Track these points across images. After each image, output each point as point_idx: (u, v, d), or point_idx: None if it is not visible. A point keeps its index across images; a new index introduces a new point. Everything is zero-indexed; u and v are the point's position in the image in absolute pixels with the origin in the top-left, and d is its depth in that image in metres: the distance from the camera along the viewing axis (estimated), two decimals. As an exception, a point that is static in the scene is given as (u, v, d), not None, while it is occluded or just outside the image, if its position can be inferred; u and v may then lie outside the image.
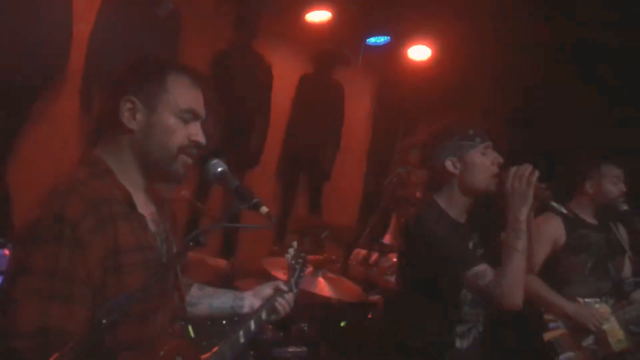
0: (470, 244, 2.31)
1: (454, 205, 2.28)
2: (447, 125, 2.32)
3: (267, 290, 2.07)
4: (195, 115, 1.59)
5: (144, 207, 1.58)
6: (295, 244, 2.36)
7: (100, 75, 4.22)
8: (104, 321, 1.20)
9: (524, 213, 2.06)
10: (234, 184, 1.59)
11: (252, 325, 1.90)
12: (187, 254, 1.63)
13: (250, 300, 2.00)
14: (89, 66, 4.26)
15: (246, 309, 1.98)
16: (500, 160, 2.24)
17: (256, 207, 1.53)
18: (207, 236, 1.40)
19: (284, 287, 2.10)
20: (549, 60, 4.77)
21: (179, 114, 1.56)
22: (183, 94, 1.57)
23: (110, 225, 1.44)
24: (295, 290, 2.22)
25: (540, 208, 2.28)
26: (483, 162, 2.23)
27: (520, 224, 2.05)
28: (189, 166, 1.60)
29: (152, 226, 1.59)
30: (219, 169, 1.61)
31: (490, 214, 2.40)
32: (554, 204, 2.12)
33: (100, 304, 1.38)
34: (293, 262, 2.29)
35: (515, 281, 2.03)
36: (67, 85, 4.21)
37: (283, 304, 2.06)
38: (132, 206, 1.54)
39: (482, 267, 2.08)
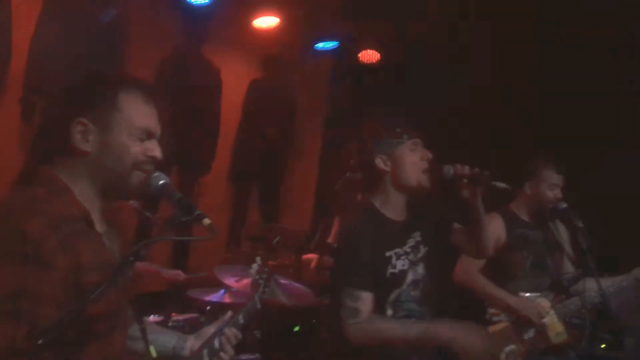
0: (410, 242, 2.33)
1: (389, 204, 2.29)
2: (375, 125, 2.34)
3: (210, 330, 1.97)
4: (149, 134, 1.58)
5: (99, 225, 1.57)
6: (259, 259, 2.33)
7: (42, 83, 4.11)
8: (39, 341, 1.18)
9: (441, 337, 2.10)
10: (176, 196, 1.58)
11: None
12: (131, 268, 1.60)
13: (191, 342, 1.90)
14: (30, 73, 4.14)
15: (187, 352, 1.87)
16: (430, 155, 2.26)
17: (198, 219, 1.52)
18: (149, 249, 1.39)
19: (230, 319, 2.02)
20: (497, 62, 4.92)
21: (134, 133, 1.55)
22: (136, 113, 1.55)
23: (73, 244, 1.42)
24: (259, 306, 2.20)
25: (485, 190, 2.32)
26: (412, 158, 2.25)
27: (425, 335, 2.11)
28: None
29: (108, 244, 1.57)
30: (161, 182, 1.59)
31: (437, 211, 2.44)
32: (496, 183, 2.18)
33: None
34: (257, 277, 2.28)
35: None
36: (6, 93, 4.08)
37: (230, 337, 1.96)
38: (90, 224, 1.52)
39: (350, 293, 2.12)
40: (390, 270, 2.24)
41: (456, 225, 2.45)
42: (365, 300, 2.12)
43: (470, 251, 2.47)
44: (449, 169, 2.22)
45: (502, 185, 2.22)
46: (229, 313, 2.05)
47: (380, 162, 2.27)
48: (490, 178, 2.17)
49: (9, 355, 1.29)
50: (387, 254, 2.26)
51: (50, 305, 1.35)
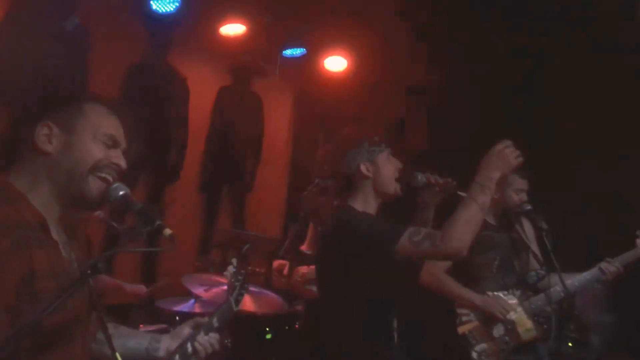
0: None
1: (368, 208, 2.39)
2: (355, 133, 2.47)
3: (185, 330, 1.94)
4: (115, 142, 1.59)
5: (56, 234, 1.55)
6: (234, 261, 2.31)
7: (5, 92, 4.04)
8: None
9: (496, 176, 2.22)
10: (137, 206, 1.56)
11: None
12: (91, 281, 1.57)
13: (166, 342, 1.86)
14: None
15: (161, 352, 1.84)
16: (400, 165, 2.43)
17: (159, 229, 1.51)
18: (107, 263, 1.38)
19: (203, 323, 1.98)
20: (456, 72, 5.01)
21: (99, 137, 1.56)
22: (101, 120, 1.58)
23: (25, 250, 1.41)
24: (235, 309, 2.18)
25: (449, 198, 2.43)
26: (389, 166, 2.41)
27: (490, 181, 2.20)
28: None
29: (65, 253, 1.55)
30: (121, 192, 1.57)
31: (402, 216, 2.52)
32: (461, 193, 2.30)
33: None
34: (233, 279, 2.25)
35: (466, 226, 2.13)
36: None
37: (204, 344, 1.92)
38: (45, 231, 1.50)
39: (411, 229, 2.19)
40: None
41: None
42: (420, 228, 2.21)
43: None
44: (422, 177, 2.40)
45: (464, 195, 2.32)
46: (198, 319, 2.01)
47: (364, 169, 2.38)
48: (457, 187, 2.35)
49: None
50: None
51: (2, 310, 1.34)
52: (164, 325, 3.42)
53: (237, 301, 2.22)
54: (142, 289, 3.63)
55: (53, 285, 1.44)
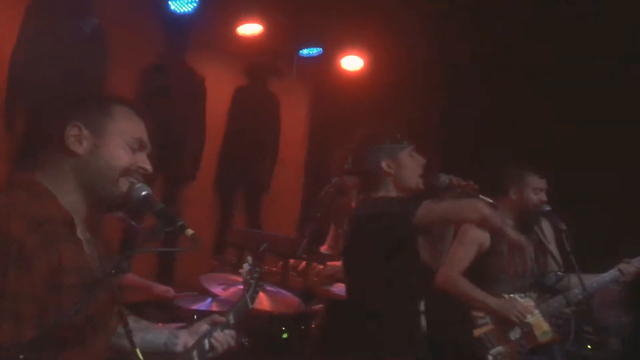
0: None
1: None
2: (377, 131, 2.51)
3: (203, 326, 1.95)
4: (141, 145, 1.62)
5: (80, 232, 1.58)
6: (250, 259, 2.33)
7: (25, 92, 4.09)
8: (21, 357, 1.17)
9: None
10: (159, 207, 1.58)
11: None
12: (114, 279, 1.59)
13: (184, 337, 1.88)
14: (12, 83, 4.11)
15: (179, 347, 1.86)
16: (424, 161, 2.47)
17: (181, 229, 1.52)
18: (131, 261, 1.39)
19: (221, 320, 2.00)
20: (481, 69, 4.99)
21: (127, 141, 1.59)
22: (130, 123, 1.62)
23: (54, 245, 1.44)
24: (251, 306, 2.21)
25: None
26: (412, 162, 2.45)
27: None
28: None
29: (88, 251, 1.58)
30: (143, 193, 1.59)
31: None
32: (483, 197, 2.35)
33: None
34: (248, 277, 2.27)
35: None
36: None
37: (220, 340, 1.94)
38: (72, 229, 1.53)
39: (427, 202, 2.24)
40: None
41: None
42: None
43: (427, 259, 2.56)
44: (445, 179, 2.43)
45: (488, 200, 2.36)
46: (215, 317, 2.03)
47: (385, 166, 2.43)
48: (479, 191, 2.39)
49: (9, 352, 1.30)
50: None
51: (31, 304, 1.37)
52: (182, 324, 3.44)
53: (253, 298, 2.25)
54: (170, 291, 3.68)
55: (77, 281, 1.46)
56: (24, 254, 1.37)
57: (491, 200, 2.43)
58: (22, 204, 1.45)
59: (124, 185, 1.58)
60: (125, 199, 1.58)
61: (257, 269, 2.32)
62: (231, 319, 2.06)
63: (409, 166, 2.43)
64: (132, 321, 1.87)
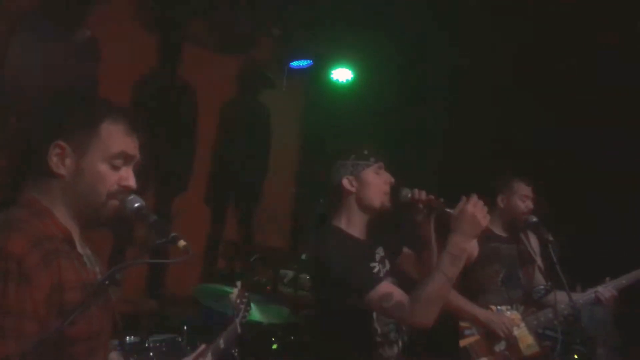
0: (377, 258, 2.38)
1: (353, 224, 2.34)
2: (344, 146, 2.42)
3: None
4: (126, 159, 1.58)
5: (80, 247, 1.58)
6: (239, 283, 2.34)
7: (15, 104, 4.08)
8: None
9: (468, 244, 2.07)
10: (152, 218, 1.59)
11: None
12: (109, 291, 1.60)
13: None
14: (2, 94, 4.11)
15: None
16: (392, 179, 2.35)
17: (174, 241, 1.53)
18: (123, 274, 1.41)
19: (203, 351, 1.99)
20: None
21: (110, 160, 1.54)
22: (116, 141, 1.55)
23: (54, 262, 1.43)
24: (240, 331, 2.22)
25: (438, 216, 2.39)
26: (377, 180, 2.33)
27: (462, 252, 2.05)
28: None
29: (89, 266, 1.58)
30: (136, 205, 1.60)
31: (392, 227, 2.52)
32: (449, 210, 2.22)
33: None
34: (238, 301, 2.28)
35: (433, 302, 2.03)
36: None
37: None
38: (72, 244, 1.53)
39: (385, 288, 2.11)
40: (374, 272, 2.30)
41: (405, 250, 2.54)
42: (394, 290, 2.12)
43: (415, 275, 2.50)
44: (406, 193, 2.32)
45: (452, 212, 2.28)
46: (203, 346, 2.01)
47: (347, 183, 2.33)
48: (444, 205, 2.24)
49: None
50: (371, 264, 2.33)
51: (33, 321, 1.36)
52: (172, 335, 3.44)
53: (242, 323, 2.27)
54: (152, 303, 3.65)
55: (80, 297, 1.46)
56: (24, 271, 1.36)
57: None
58: (21, 221, 1.45)
59: (111, 206, 1.56)
60: (113, 218, 1.57)
61: (246, 294, 2.33)
62: (221, 343, 2.07)
63: (372, 184, 2.31)
64: (117, 356, 1.86)
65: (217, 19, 5.06)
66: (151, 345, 3.20)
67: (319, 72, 5.67)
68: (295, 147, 6.30)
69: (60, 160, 1.51)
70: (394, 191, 2.32)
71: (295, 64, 5.48)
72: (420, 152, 5.33)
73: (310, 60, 5.48)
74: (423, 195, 2.30)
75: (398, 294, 2.10)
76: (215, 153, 5.56)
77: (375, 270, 2.34)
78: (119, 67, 4.59)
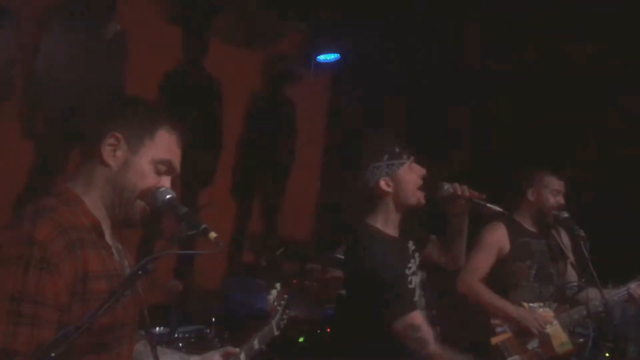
0: (411, 253, 2.40)
1: (389, 224, 2.37)
2: (376, 146, 2.42)
3: (215, 357, 1.92)
4: (169, 168, 1.63)
5: (110, 238, 1.60)
6: (278, 285, 2.32)
7: (45, 99, 4.14)
8: (52, 354, 1.19)
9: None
10: (182, 210, 1.59)
11: None
12: (139, 282, 1.61)
13: None
14: (33, 90, 4.17)
15: None
16: (424, 171, 2.36)
17: (204, 233, 1.54)
18: (156, 263, 1.41)
19: (234, 352, 1.96)
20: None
21: (156, 164, 1.60)
22: (167, 148, 1.62)
23: (79, 251, 1.45)
24: (276, 333, 2.20)
25: (486, 216, 2.39)
26: (411, 177, 2.34)
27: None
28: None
29: (117, 257, 1.60)
30: (167, 196, 1.61)
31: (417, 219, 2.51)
32: (490, 205, 2.23)
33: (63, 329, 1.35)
34: (275, 303, 2.26)
35: None
36: (4, 108, 4.08)
37: None
38: (100, 234, 1.55)
39: (415, 319, 2.15)
40: (409, 286, 2.33)
41: (432, 237, 2.55)
42: (422, 321, 2.18)
43: (443, 262, 2.53)
44: (449, 188, 2.33)
45: (496, 208, 2.29)
46: (229, 348, 1.98)
47: (384, 184, 2.34)
48: (487, 200, 2.27)
49: (5, 356, 1.31)
50: (406, 272, 2.34)
51: (52, 309, 1.37)
52: (200, 327, 3.47)
53: (279, 326, 2.24)
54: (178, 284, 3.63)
55: (105, 287, 1.48)
56: (48, 258, 1.37)
57: (499, 209, 2.35)
58: (50, 209, 1.47)
59: (139, 206, 1.59)
60: (139, 221, 1.60)
61: (285, 296, 2.31)
62: (256, 344, 2.05)
63: (409, 182, 2.33)
64: (142, 345, 1.85)
65: (243, 13, 5.06)
66: (180, 336, 3.24)
67: (345, 66, 5.64)
68: (321, 140, 6.29)
69: (112, 150, 1.57)
70: (433, 187, 2.33)
71: (322, 57, 5.46)
72: (444, 146, 5.29)
73: (337, 54, 5.45)
74: (466, 190, 2.31)
75: (425, 329, 2.15)
76: (241, 147, 5.57)
77: (409, 276, 2.33)
78: (145, 61, 4.63)
